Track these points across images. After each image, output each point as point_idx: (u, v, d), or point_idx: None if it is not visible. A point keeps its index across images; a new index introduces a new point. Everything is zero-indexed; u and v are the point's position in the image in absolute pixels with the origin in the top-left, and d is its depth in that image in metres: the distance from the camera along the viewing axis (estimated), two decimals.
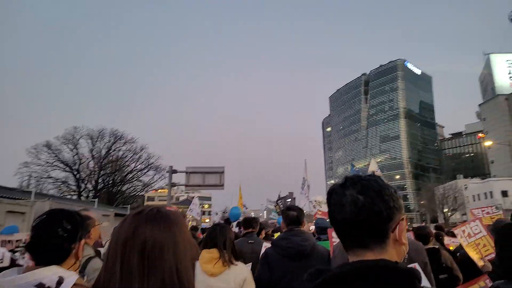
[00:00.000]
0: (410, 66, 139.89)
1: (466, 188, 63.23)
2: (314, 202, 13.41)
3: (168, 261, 0.90)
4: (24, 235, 4.65)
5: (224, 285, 2.50)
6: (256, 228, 4.64)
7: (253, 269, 3.09)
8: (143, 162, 43.22)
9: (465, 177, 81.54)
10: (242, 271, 2.64)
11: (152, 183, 44.65)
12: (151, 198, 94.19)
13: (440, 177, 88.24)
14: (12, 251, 4.21)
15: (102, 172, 40.79)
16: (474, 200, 59.38)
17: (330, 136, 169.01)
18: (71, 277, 1.26)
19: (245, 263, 3.91)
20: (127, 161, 43.17)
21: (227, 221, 9.18)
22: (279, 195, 19.20)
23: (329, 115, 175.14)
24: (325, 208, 13.93)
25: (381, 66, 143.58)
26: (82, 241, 1.48)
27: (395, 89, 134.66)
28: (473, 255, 3.82)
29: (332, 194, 0.95)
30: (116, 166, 41.88)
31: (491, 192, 55.28)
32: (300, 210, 3.19)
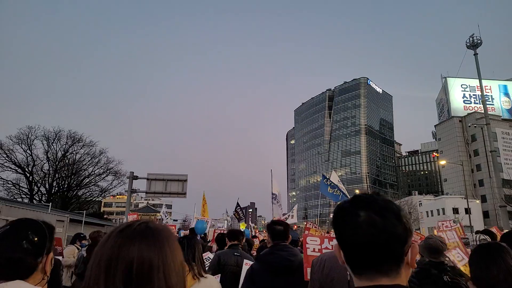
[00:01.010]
0: (372, 84, 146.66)
1: (420, 204, 66.46)
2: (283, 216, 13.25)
3: (157, 282, 0.79)
4: None
5: None
6: (242, 241, 4.52)
7: (225, 282, 3.05)
8: (102, 166, 41.30)
9: (420, 193, 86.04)
10: (212, 283, 2.56)
11: (110, 189, 42.62)
12: (108, 204, 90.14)
13: (396, 192, 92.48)
14: None
15: (57, 175, 38.41)
16: (428, 216, 62.57)
17: (294, 148, 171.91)
18: None
19: (230, 276, 3.74)
20: (84, 164, 40.93)
21: (192, 231, 8.85)
22: (237, 203, 18.73)
23: (293, 128, 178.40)
24: (291, 220, 13.64)
25: (345, 82, 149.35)
26: (51, 255, 1.36)
27: (358, 106, 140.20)
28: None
29: (343, 214, 0.87)
30: (72, 170, 39.52)
31: (443, 209, 58.51)
32: (286, 225, 3.10)
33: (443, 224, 10.42)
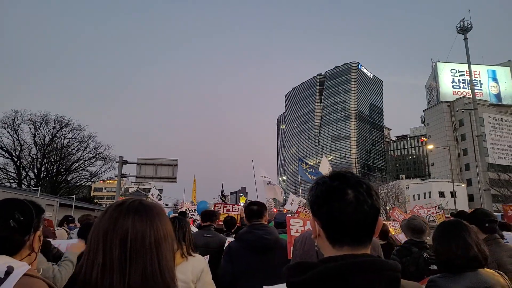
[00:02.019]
0: (363, 69, 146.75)
1: (407, 188, 67.83)
2: (270, 200, 13.41)
3: (149, 253, 0.90)
4: None
5: (182, 276, 2.47)
6: (215, 222, 4.63)
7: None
8: (90, 151, 40.86)
9: (407, 177, 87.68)
10: (200, 262, 2.64)
11: (100, 173, 42.33)
12: (98, 189, 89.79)
13: (385, 177, 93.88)
14: None
15: (45, 160, 37.94)
16: (414, 199, 63.96)
17: (284, 133, 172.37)
18: (22, 267, 1.22)
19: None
20: (73, 149, 40.44)
21: (183, 214, 9.05)
22: (222, 187, 19.07)
23: (284, 112, 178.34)
24: (291, 207, 13.78)
25: (336, 67, 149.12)
26: (38, 232, 1.43)
27: (348, 91, 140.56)
28: None
29: (334, 191, 0.93)
30: (61, 154, 39.04)
31: (429, 192, 59.89)
32: (261, 204, 3.24)
33: (428, 211, 10.79)
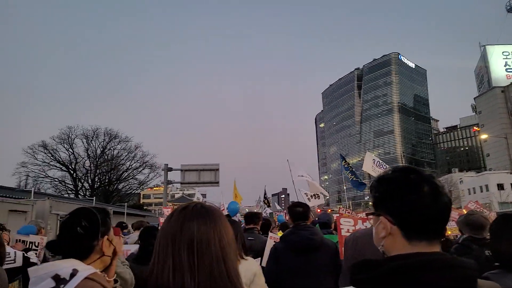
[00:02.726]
0: (404, 59, 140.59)
1: (461, 181, 63.68)
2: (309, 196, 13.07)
3: (215, 254, 0.94)
4: (38, 238, 4.68)
5: None
6: (258, 224, 4.58)
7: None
8: (138, 160, 43.19)
9: (460, 170, 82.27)
10: (252, 265, 2.61)
11: (147, 181, 44.66)
12: (146, 196, 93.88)
13: (435, 171, 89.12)
14: (26, 251, 4.07)
15: (98, 171, 40.81)
16: (470, 194, 59.80)
17: (324, 132, 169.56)
18: (86, 270, 1.30)
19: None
20: (122, 159, 43.01)
21: (228, 217, 9.03)
22: (265, 190, 19.09)
23: (322, 111, 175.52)
24: (315, 201, 13.47)
25: (374, 60, 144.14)
26: (105, 238, 1.51)
27: (389, 83, 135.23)
28: None
29: (411, 185, 0.91)
30: (111, 165, 41.73)
31: (486, 185, 55.67)
32: (306, 206, 3.30)
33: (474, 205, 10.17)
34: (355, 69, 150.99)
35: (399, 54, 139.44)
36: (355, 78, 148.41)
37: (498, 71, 72.66)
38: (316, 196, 13.30)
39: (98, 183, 40.91)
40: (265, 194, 18.90)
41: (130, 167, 42.99)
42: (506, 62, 73.28)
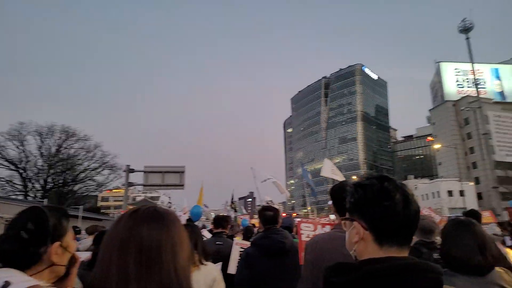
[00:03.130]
0: (367, 71, 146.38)
1: (416, 188, 67.15)
2: (269, 202, 13.21)
3: (166, 262, 0.85)
4: None
5: (194, 286, 2.38)
6: (227, 228, 4.52)
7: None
8: (97, 160, 41.06)
9: (415, 177, 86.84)
10: (212, 271, 2.61)
11: (106, 183, 42.57)
12: (105, 199, 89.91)
13: (393, 177, 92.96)
14: None
15: (51, 171, 38.16)
16: (423, 200, 63.23)
17: (291, 137, 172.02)
18: (22, 283, 1.06)
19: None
20: (79, 159, 40.74)
21: (190, 221, 8.88)
22: (232, 195, 18.99)
23: (290, 116, 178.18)
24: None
25: (341, 69, 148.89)
26: (56, 244, 1.24)
27: (353, 93, 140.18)
28: None
29: (385, 192, 0.95)
30: (67, 165, 39.33)
31: (438, 192, 59.15)
32: (276, 210, 3.29)
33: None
34: (323, 77, 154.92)
35: (363, 65, 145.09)
36: (322, 86, 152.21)
37: (450, 86, 77.83)
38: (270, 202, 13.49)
39: (52, 184, 38.26)
40: (232, 198, 18.76)
41: (88, 167, 40.82)
42: (457, 78, 78.71)
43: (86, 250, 4.49)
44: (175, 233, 0.91)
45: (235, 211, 18.48)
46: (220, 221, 4.43)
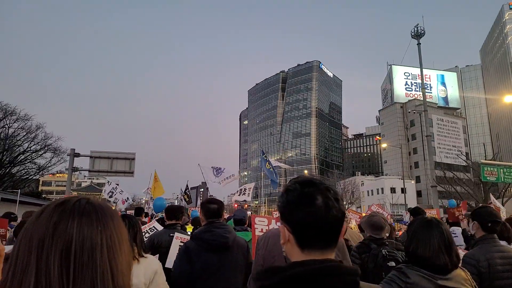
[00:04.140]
0: (324, 68, 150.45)
1: (362, 184, 70.94)
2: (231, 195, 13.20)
3: (101, 265, 0.68)
4: None
5: (134, 280, 2.28)
6: (181, 219, 4.30)
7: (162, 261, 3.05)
8: (39, 142, 37.96)
9: (363, 174, 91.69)
10: (152, 264, 2.50)
11: (49, 166, 39.58)
12: (47, 183, 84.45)
13: (342, 173, 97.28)
14: None
15: None
16: (368, 195, 67.10)
17: (247, 129, 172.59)
18: None
19: (164, 257, 3.64)
20: (19, 140, 37.40)
21: (139, 210, 8.52)
22: (186, 185, 18.57)
23: (246, 108, 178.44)
24: (241, 197, 13.71)
25: (298, 65, 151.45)
26: None
27: (310, 89, 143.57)
28: None
29: (304, 197, 0.97)
30: (4, 145, 35.97)
31: (382, 189, 63.10)
32: (220, 203, 3.16)
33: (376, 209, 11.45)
34: (281, 71, 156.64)
35: (320, 62, 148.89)
36: (280, 80, 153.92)
37: (399, 89, 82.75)
38: (243, 191, 13.41)
39: None
40: (186, 188, 18.28)
41: (29, 149, 37.70)
42: (406, 82, 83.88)
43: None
44: (113, 231, 0.73)
45: (188, 202, 18.10)
46: (174, 212, 4.21)
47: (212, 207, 3.04)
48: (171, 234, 3.86)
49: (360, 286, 0.93)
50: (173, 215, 4.15)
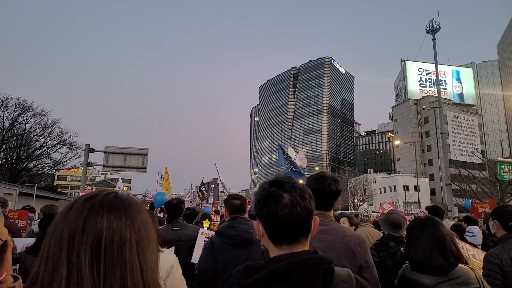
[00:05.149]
0: (336, 64, 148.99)
1: (374, 181, 70.17)
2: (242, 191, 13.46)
3: (130, 260, 0.69)
4: None
5: None
6: (181, 214, 4.22)
7: (176, 255, 3.02)
8: (54, 138, 38.75)
9: (375, 171, 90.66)
10: (168, 258, 2.52)
11: (64, 162, 40.46)
12: (62, 178, 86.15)
13: (354, 170, 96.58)
14: None
15: (4, 146, 35.66)
16: (381, 193, 66.34)
17: (258, 125, 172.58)
18: None
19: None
20: (35, 135, 38.25)
21: (151, 207, 8.61)
22: (202, 181, 18.69)
23: (258, 104, 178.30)
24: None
25: (310, 61, 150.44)
26: None
27: (321, 85, 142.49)
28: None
29: (271, 196, 1.05)
30: (22, 140, 36.87)
31: (395, 186, 62.26)
32: (243, 199, 3.17)
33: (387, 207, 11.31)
34: (292, 67, 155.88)
35: (332, 58, 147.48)
36: (291, 76, 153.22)
37: (413, 85, 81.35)
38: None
39: (4, 160, 35.93)
40: (201, 184, 18.41)
41: (45, 144, 38.48)
42: (420, 78, 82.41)
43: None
44: (141, 226, 0.74)
45: (203, 198, 18.28)
46: (174, 207, 4.04)
47: (236, 202, 3.07)
48: (174, 228, 3.84)
49: (335, 272, 1.01)
50: (175, 213, 4.00)
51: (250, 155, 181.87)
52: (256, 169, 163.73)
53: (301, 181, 1.19)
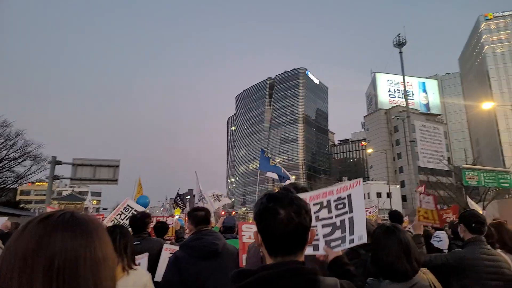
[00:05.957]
0: (310, 75, 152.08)
1: None
2: (215, 196, 13.12)
3: (85, 281, 0.66)
4: None
5: None
6: (148, 227, 4.17)
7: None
8: (18, 150, 36.78)
9: (349, 179, 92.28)
10: (142, 276, 2.48)
11: (28, 175, 38.39)
12: (26, 192, 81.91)
13: (329, 178, 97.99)
14: None
15: None
16: None
17: (234, 134, 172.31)
18: None
19: None
20: None
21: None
22: (177, 193, 18.23)
23: (234, 114, 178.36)
24: (224, 201, 13.66)
25: (285, 72, 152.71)
26: None
27: (297, 95, 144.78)
28: None
29: (267, 211, 1.12)
30: None
31: (368, 193, 63.67)
32: (207, 210, 3.17)
33: (366, 210, 11.40)
34: (268, 78, 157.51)
35: (306, 69, 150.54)
36: (267, 86, 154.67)
37: (383, 96, 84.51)
38: (219, 196, 13.27)
39: None
40: (177, 195, 17.98)
41: (7, 157, 36.53)
42: (389, 89, 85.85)
43: None
44: (97, 245, 0.71)
45: (177, 209, 17.85)
46: (138, 221, 4.02)
47: (200, 214, 3.04)
48: (134, 243, 3.73)
49: (320, 282, 1.08)
50: (138, 228, 3.93)
51: (227, 165, 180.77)
52: (233, 179, 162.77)
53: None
